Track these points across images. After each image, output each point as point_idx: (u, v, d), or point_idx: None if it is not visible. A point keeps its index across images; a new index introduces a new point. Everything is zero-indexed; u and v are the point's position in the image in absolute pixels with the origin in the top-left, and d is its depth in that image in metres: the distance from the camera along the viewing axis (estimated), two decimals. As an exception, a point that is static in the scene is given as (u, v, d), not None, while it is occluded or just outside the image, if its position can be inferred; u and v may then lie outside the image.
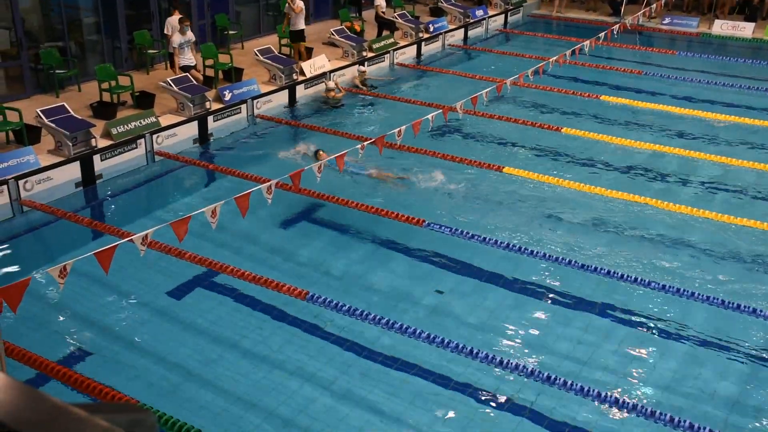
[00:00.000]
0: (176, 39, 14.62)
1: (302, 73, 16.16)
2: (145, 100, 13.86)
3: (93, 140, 11.76)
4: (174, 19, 14.89)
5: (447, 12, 22.35)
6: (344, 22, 19.79)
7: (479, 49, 20.90)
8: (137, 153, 12.43)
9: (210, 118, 13.77)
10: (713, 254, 9.81)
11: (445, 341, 7.56)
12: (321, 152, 12.27)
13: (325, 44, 18.85)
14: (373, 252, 9.81)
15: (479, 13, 22.71)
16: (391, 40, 19.19)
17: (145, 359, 7.51)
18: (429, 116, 11.72)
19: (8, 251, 9.72)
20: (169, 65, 15.69)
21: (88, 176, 11.59)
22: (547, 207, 10.99)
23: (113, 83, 14.00)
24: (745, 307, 8.36)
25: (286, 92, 15.65)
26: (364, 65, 17.49)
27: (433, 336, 7.62)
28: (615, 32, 18.74)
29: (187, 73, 14.28)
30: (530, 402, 7.02)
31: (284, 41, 18.00)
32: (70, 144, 11.39)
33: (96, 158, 11.72)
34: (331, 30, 18.30)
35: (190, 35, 14.79)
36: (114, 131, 12.16)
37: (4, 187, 10.53)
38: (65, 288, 6.92)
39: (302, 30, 16.84)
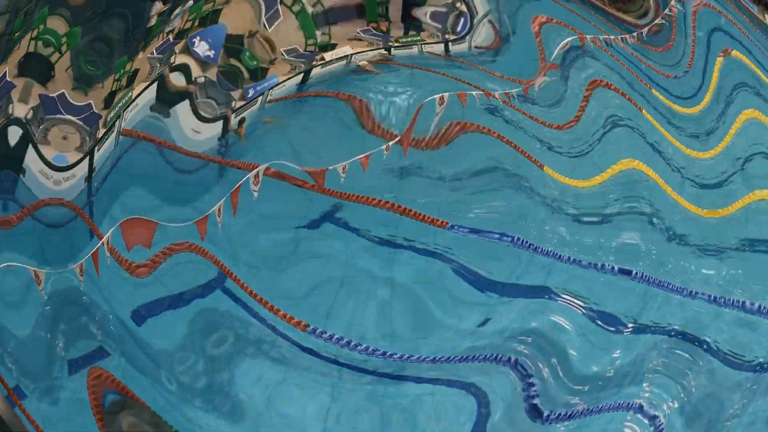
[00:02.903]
0: None
1: (322, 58, 16.00)
2: (169, 98, 13.93)
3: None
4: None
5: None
6: (371, 23, 19.74)
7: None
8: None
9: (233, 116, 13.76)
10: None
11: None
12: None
13: (351, 39, 18.80)
14: (391, 253, 9.71)
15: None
16: (418, 37, 19.06)
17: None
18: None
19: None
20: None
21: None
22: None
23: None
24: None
25: (300, 76, 15.42)
26: (389, 52, 17.16)
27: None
28: (644, 34, 18.41)
29: (211, 72, 14.35)
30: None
31: (310, 40, 17.99)
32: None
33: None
34: (358, 30, 18.23)
35: None
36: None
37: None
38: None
39: None
